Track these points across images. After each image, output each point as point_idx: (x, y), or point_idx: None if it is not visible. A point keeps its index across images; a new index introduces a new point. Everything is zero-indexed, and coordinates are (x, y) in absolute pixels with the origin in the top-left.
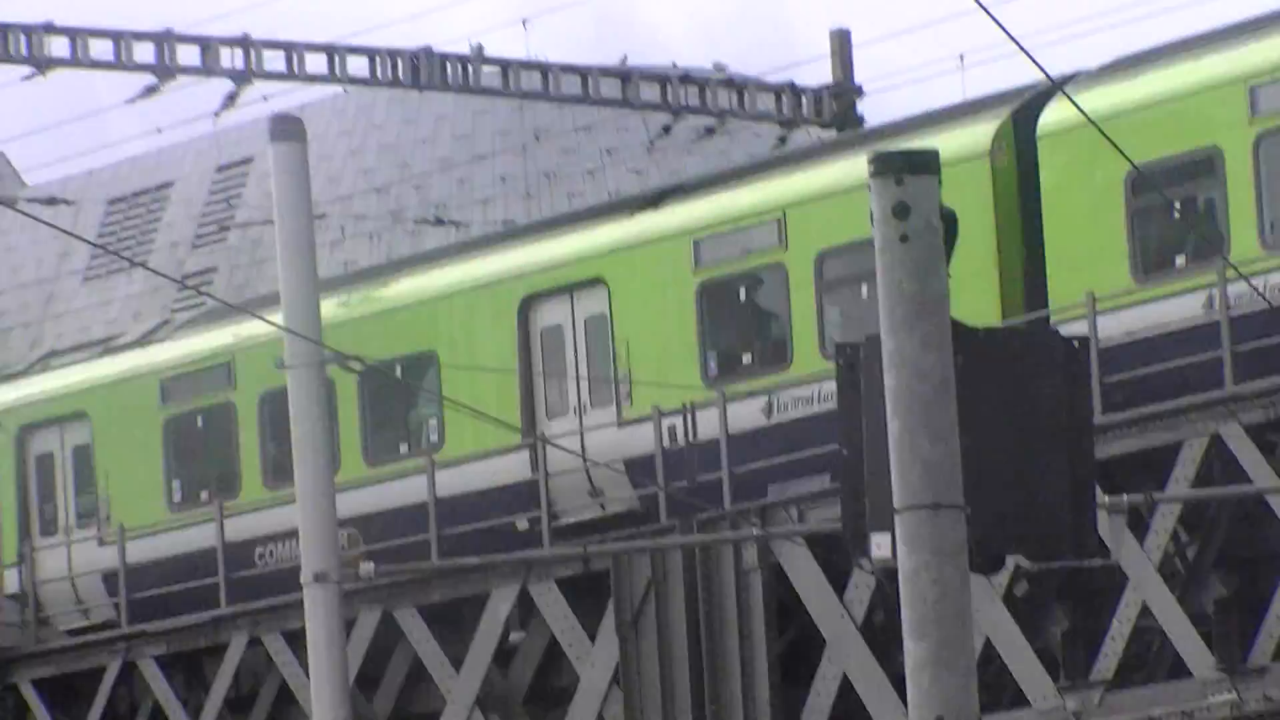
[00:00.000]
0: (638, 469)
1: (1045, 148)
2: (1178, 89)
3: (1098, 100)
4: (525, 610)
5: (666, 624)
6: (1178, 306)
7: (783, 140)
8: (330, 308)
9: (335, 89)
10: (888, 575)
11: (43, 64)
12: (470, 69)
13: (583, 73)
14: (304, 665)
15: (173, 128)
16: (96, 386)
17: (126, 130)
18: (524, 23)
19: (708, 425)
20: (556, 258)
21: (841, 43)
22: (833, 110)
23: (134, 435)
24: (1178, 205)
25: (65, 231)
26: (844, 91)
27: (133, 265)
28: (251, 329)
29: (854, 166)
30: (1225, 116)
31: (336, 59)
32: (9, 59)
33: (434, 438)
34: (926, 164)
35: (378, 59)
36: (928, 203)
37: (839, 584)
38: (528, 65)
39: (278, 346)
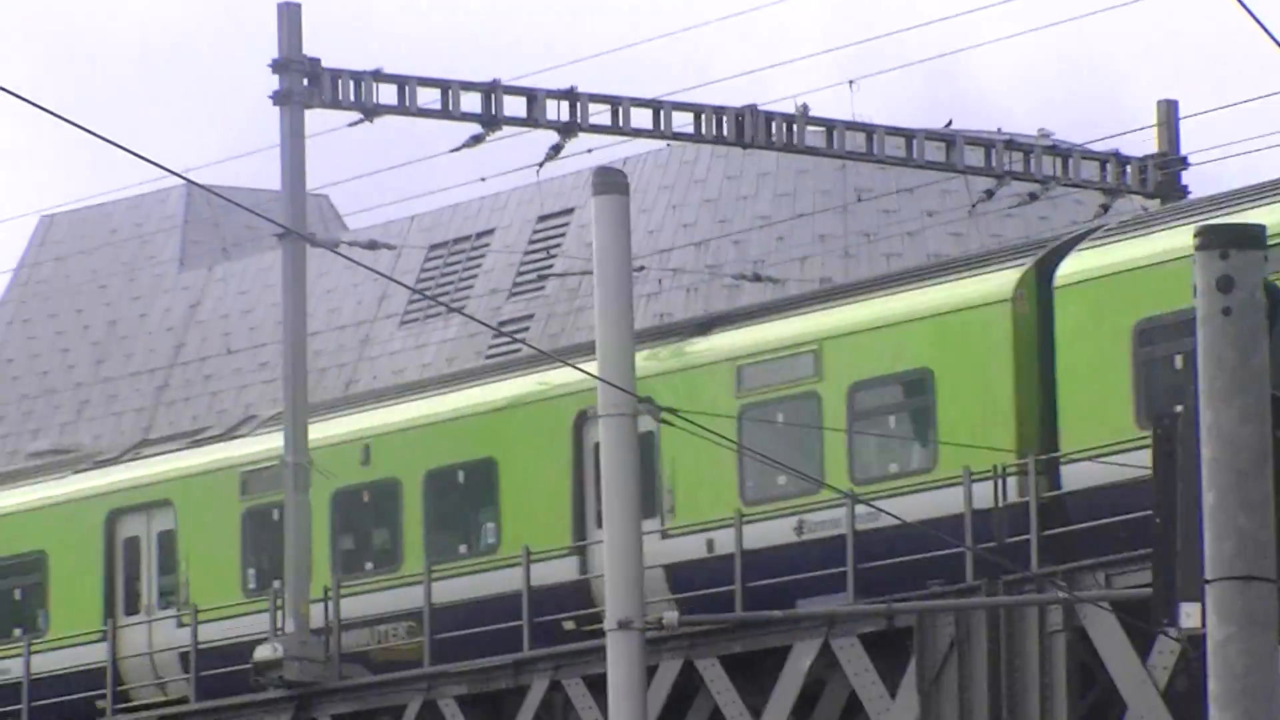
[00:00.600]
0: (946, 529)
1: (1061, 298)
2: (1181, 248)
3: (1112, 256)
4: (826, 663)
5: (968, 682)
6: None
7: (1105, 208)
8: (641, 360)
9: (659, 143)
10: (1192, 643)
11: (370, 111)
12: (795, 128)
13: (907, 135)
14: (603, 710)
15: (495, 177)
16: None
17: (449, 178)
18: (850, 84)
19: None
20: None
21: (1169, 112)
22: (1156, 180)
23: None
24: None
25: (384, 275)
26: (1169, 162)
27: (449, 310)
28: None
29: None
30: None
31: (662, 114)
32: (337, 105)
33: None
34: (1252, 238)
35: (703, 115)
36: (1251, 277)
37: (1142, 649)
38: (852, 126)
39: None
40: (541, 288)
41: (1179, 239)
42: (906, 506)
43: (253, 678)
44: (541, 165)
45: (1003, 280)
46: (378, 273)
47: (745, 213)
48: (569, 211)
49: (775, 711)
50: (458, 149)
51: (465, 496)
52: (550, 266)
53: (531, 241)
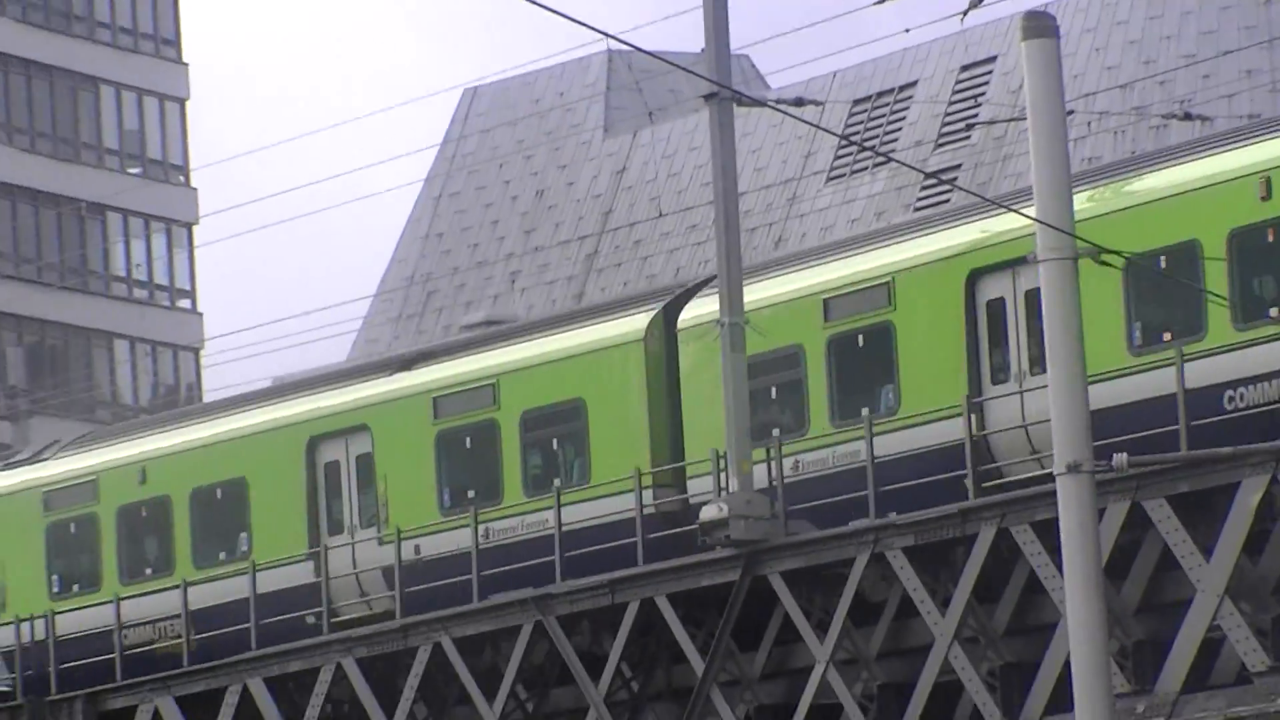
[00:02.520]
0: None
1: (683, 338)
2: (781, 294)
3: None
4: (1274, 499)
5: None
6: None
7: None
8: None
9: None
10: None
11: None
12: None
13: None
14: (1052, 556)
15: (918, 28)
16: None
17: (869, 32)
18: None
19: None
20: None
21: None
22: None
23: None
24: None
25: (813, 125)
26: None
27: (883, 160)
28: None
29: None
30: (807, 322)
31: None
32: None
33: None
34: None
35: None
36: None
37: None
38: None
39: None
40: (967, 137)
41: (781, 286)
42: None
43: (700, 538)
44: (965, 15)
45: (636, 323)
46: (806, 121)
47: (1170, 52)
48: (992, 59)
49: (1226, 547)
50: (879, 1)
51: None
52: (975, 116)
53: (955, 91)
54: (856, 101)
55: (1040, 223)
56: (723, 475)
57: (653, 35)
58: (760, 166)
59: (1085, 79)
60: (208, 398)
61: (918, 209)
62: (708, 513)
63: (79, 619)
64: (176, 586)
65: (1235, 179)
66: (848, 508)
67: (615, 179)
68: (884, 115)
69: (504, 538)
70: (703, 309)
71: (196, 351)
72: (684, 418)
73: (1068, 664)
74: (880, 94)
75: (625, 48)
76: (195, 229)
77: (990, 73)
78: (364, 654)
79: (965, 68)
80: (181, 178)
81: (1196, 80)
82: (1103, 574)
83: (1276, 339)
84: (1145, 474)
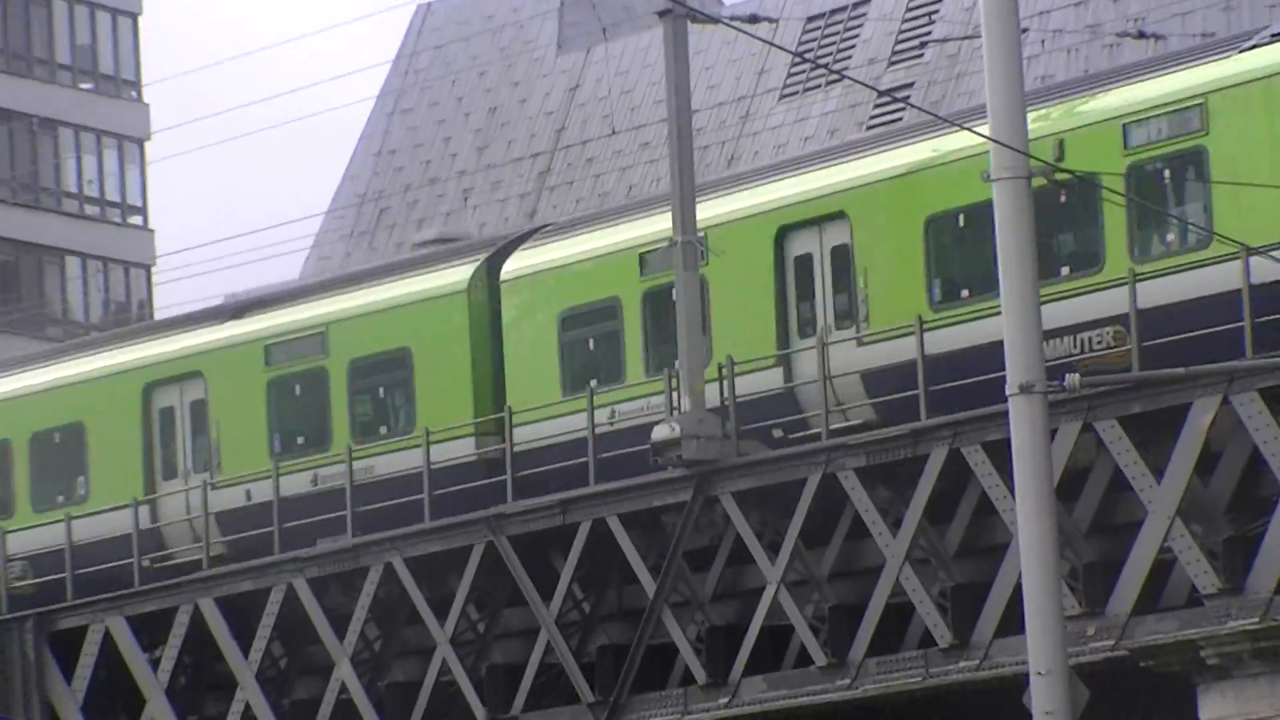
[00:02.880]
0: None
1: (506, 290)
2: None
3: (554, 252)
4: (1226, 420)
5: None
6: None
7: None
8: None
9: None
10: None
11: None
12: None
13: None
14: (1004, 477)
15: None
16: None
17: None
18: None
19: None
20: None
21: None
22: None
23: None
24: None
25: (767, 42)
26: None
27: (836, 78)
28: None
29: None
30: (624, 275)
31: None
32: None
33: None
34: None
35: None
36: None
37: None
38: None
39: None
40: (921, 55)
41: (596, 241)
42: None
43: (652, 457)
44: None
45: (460, 274)
46: (760, 38)
47: None
48: None
49: (1177, 469)
50: None
51: None
52: (929, 33)
53: (909, 9)
54: (810, 18)
55: (995, 141)
56: (675, 395)
57: None
58: (714, 84)
59: None
60: (159, 314)
61: (870, 127)
62: (660, 432)
63: None
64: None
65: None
66: (799, 429)
67: (569, 96)
68: (838, 32)
69: (332, 482)
70: (524, 261)
71: (148, 269)
72: (506, 368)
73: (1019, 586)
74: (834, 11)
75: None
76: (148, 145)
77: None
78: (315, 574)
79: None
80: (134, 93)
81: None
82: (1054, 495)
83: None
84: (1097, 394)
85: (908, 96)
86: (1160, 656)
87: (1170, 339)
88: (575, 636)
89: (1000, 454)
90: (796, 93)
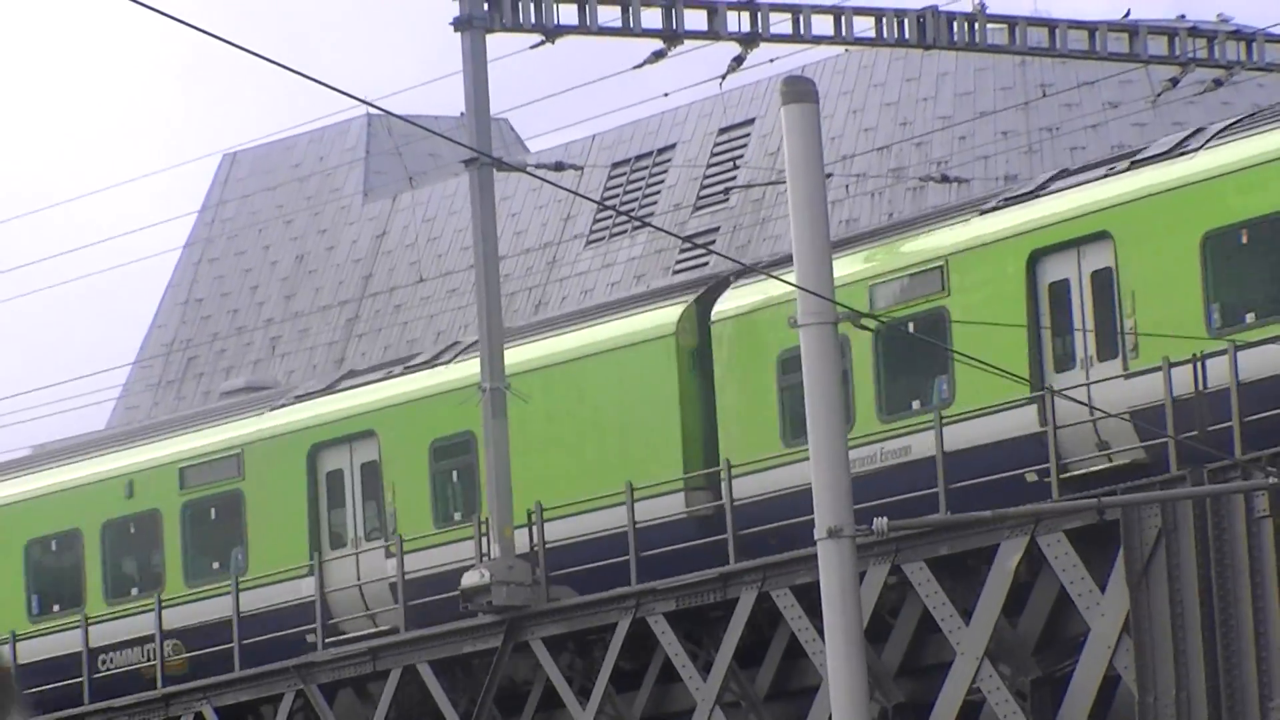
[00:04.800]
0: (1144, 420)
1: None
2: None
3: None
4: (1033, 561)
5: (1177, 573)
6: None
7: None
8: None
9: (836, 49)
10: None
11: (551, 32)
12: (975, 26)
13: (1089, 28)
14: (813, 620)
15: (677, 91)
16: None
17: (629, 96)
18: None
19: (1216, 375)
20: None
21: None
22: None
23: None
24: None
25: (571, 192)
26: None
27: (636, 226)
28: None
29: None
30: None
31: (843, 20)
32: (518, 27)
33: (944, 394)
34: None
35: (884, 20)
36: None
37: None
38: (1034, 22)
39: None
40: (725, 200)
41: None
42: None
43: (461, 604)
44: (724, 78)
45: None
46: (564, 188)
47: (926, 114)
48: (750, 122)
49: (985, 611)
50: (639, 66)
51: None
52: (734, 179)
53: (713, 154)
54: (615, 165)
55: (801, 289)
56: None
57: (414, 99)
58: (520, 230)
59: (843, 141)
60: None
61: (677, 272)
62: (469, 579)
63: None
64: None
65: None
66: (609, 573)
67: (375, 243)
68: (643, 178)
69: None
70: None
71: None
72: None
73: None
74: (639, 157)
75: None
76: None
77: (748, 135)
78: None
79: (723, 130)
80: None
81: (954, 142)
82: (863, 637)
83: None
84: (905, 537)
85: (713, 242)
86: None
87: (979, 480)
88: None
89: (809, 597)
90: (603, 239)
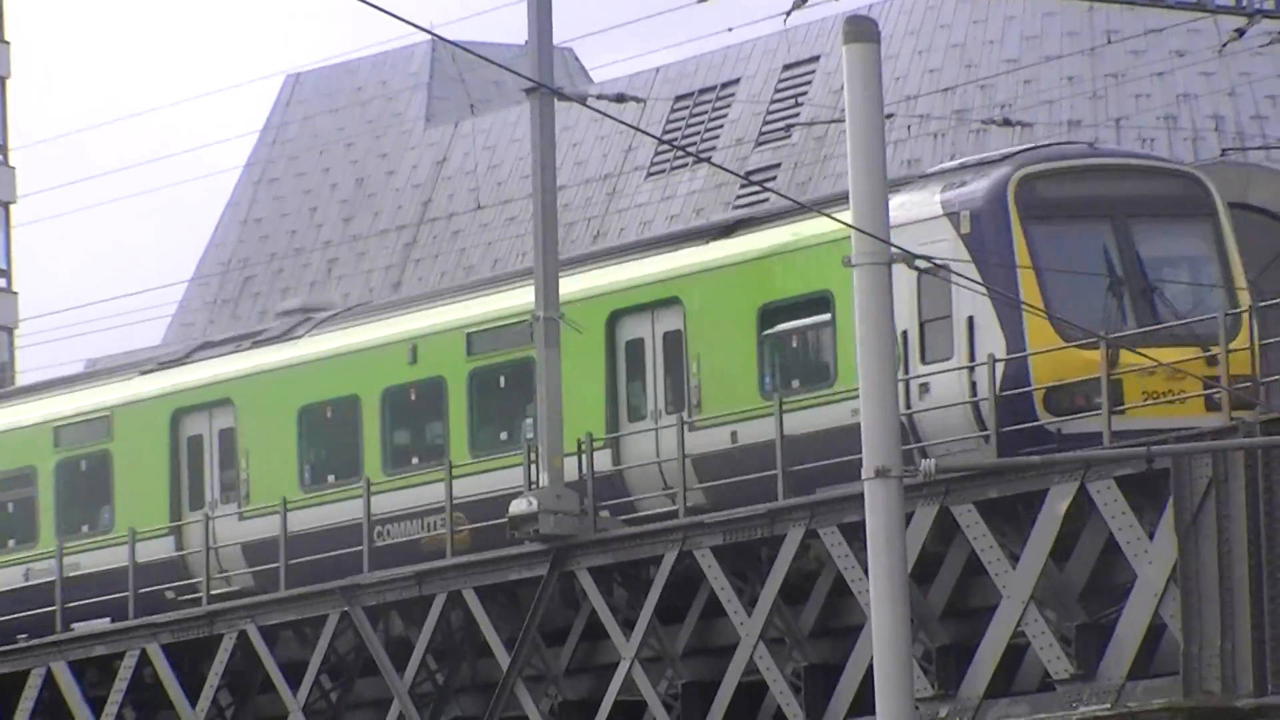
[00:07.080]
0: None
1: None
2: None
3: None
4: (1081, 508)
5: (1226, 523)
6: None
7: None
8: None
9: None
10: None
11: None
12: None
13: None
14: (859, 559)
15: (741, 27)
16: None
17: (694, 30)
18: None
19: None
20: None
21: None
22: None
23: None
24: None
25: (631, 126)
26: None
27: (696, 160)
28: None
29: None
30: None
31: None
32: None
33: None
34: None
35: None
36: None
37: None
38: None
39: None
40: (788, 137)
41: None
42: None
43: (509, 532)
44: (789, 14)
45: None
46: (625, 123)
47: (992, 57)
48: (814, 60)
49: (1032, 555)
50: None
51: None
52: (797, 116)
53: (777, 91)
54: (679, 98)
55: (854, 228)
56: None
57: (478, 26)
58: (581, 160)
59: (907, 81)
60: (21, 379)
61: (736, 207)
62: (517, 507)
63: None
64: None
65: None
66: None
67: (435, 169)
68: (705, 112)
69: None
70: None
71: (11, 331)
72: None
73: (872, 667)
74: (703, 91)
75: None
76: (13, 208)
77: (813, 72)
78: (169, 640)
79: (788, 67)
80: (1, 156)
81: (1018, 85)
82: (908, 578)
83: None
84: (954, 479)
85: (773, 178)
86: None
87: (1024, 425)
88: (428, 708)
89: (856, 536)
90: (664, 171)
